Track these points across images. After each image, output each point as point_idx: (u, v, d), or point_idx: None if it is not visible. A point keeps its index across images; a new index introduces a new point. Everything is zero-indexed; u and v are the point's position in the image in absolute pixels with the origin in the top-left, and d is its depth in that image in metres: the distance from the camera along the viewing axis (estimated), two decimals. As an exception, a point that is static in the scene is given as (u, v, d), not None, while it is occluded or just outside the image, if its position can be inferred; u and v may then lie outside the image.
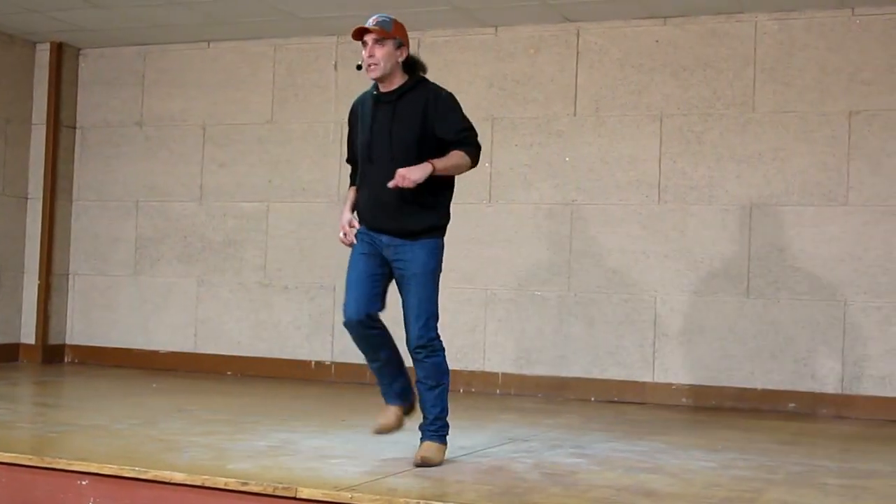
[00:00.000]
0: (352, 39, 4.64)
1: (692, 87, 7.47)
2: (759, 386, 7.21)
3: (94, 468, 4.24)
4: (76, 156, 9.18)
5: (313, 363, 8.29)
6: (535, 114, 7.84)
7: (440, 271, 4.68)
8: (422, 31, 8.10)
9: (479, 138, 4.66)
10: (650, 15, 7.51)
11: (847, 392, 7.03)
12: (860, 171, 7.08)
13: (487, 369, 7.83)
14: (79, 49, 9.18)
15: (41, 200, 8.97)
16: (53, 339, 9.00)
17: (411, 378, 4.77)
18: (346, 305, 4.61)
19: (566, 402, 7.38)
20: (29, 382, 7.81)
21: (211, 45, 8.79)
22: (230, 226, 8.64)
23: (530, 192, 7.81)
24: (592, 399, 7.52)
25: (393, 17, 4.66)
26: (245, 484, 3.99)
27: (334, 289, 8.23)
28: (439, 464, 4.56)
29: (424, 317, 4.55)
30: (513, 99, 7.90)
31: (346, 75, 8.35)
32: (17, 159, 8.98)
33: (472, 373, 7.84)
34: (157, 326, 8.82)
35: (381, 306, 4.65)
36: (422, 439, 4.64)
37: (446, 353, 4.71)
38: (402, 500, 3.80)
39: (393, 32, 4.57)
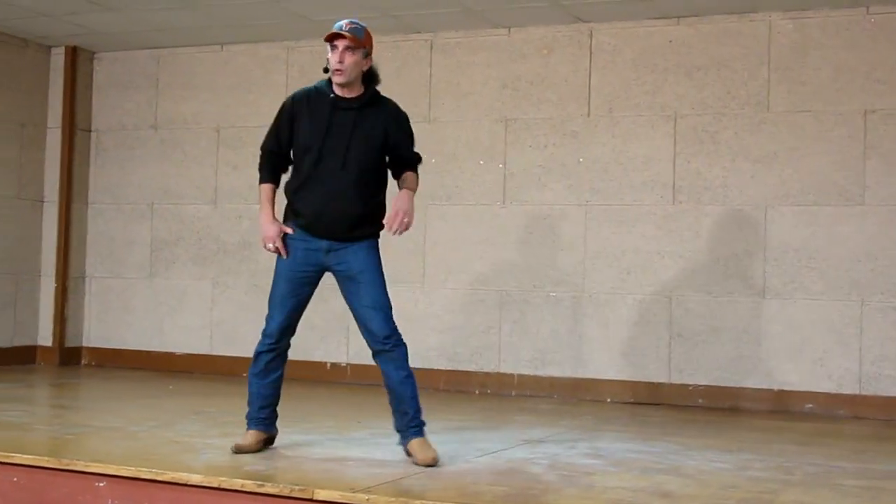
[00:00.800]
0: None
1: (706, 87, 7.45)
2: (775, 387, 7.18)
3: (111, 470, 4.26)
4: (91, 159, 9.21)
5: (328, 364, 8.30)
6: (549, 115, 7.83)
7: (382, 268, 4.82)
8: (434, 32, 8.11)
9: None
10: (663, 15, 7.50)
11: (864, 392, 7.00)
12: (876, 170, 7.05)
13: (502, 370, 7.82)
14: (93, 53, 9.21)
15: (57, 204, 9.01)
16: (70, 342, 9.04)
17: (278, 414, 4.95)
18: (270, 320, 4.83)
19: (581, 404, 7.37)
20: (46, 385, 7.84)
21: (224, 48, 8.82)
22: (244, 228, 8.66)
23: (544, 192, 7.80)
24: (608, 400, 7.51)
25: (364, 24, 4.74)
26: (261, 485, 4.00)
27: (349, 290, 8.22)
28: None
29: (384, 310, 4.67)
30: (526, 100, 7.90)
31: (359, 77, 8.35)
32: (33, 163, 9.02)
33: (486, 374, 7.84)
34: (172, 328, 8.85)
35: (293, 334, 4.91)
36: (409, 438, 4.66)
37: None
38: (417, 501, 3.81)
39: (363, 41, 4.65)
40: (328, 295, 8.31)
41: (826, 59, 7.20)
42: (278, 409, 4.96)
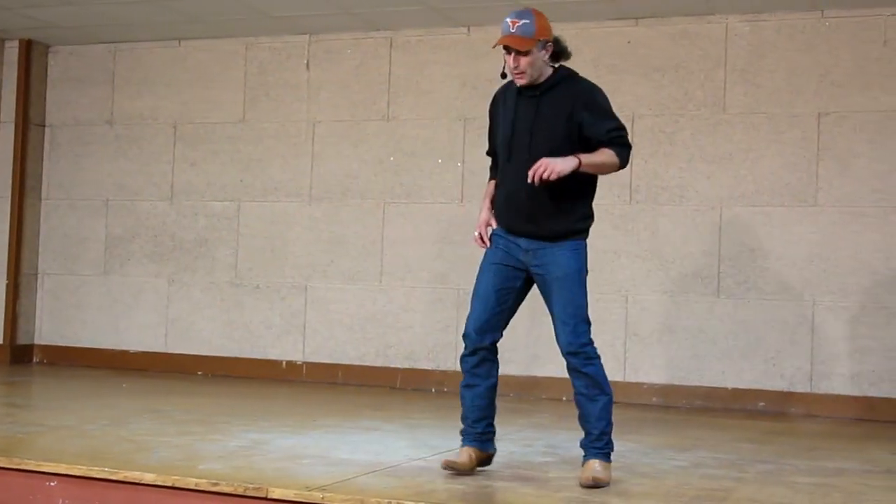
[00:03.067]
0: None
1: (664, 88, 7.50)
2: (729, 385, 7.25)
3: (63, 469, 4.22)
4: (45, 154, 9.10)
5: (284, 363, 8.27)
6: (508, 114, 7.82)
7: (586, 273, 4.39)
8: (394, 30, 8.10)
9: (629, 138, 4.43)
10: (622, 16, 7.54)
11: (815, 391, 7.08)
12: (829, 172, 7.13)
13: (459, 369, 7.80)
14: (48, 46, 9.11)
15: (9, 199, 8.88)
16: (22, 339, 8.93)
17: (496, 430, 4.52)
18: (469, 318, 4.42)
19: (538, 402, 7.39)
20: (-3, 382, 7.75)
21: (182, 43, 8.75)
22: (201, 225, 8.60)
23: (502, 191, 7.80)
24: (564, 399, 7.53)
25: (533, 9, 4.29)
26: (216, 484, 3.97)
27: (305, 289, 8.22)
28: (608, 484, 4.23)
29: (572, 322, 4.28)
30: (486, 99, 7.75)
31: (317, 74, 8.33)
32: (-14, 157, 8.91)
33: (444, 372, 7.84)
34: (127, 326, 8.77)
35: (502, 333, 4.46)
36: (586, 457, 4.32)
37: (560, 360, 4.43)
38: (373, 500, 3.80)
39: (536, 36, 4.22)
40: (286, 293, 8.33)
41: (781, 62, 7.27)
42: (496, 423, 4.51)
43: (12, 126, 8.92)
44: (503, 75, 4.44)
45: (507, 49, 4.28)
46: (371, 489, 4.00)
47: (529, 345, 7.65)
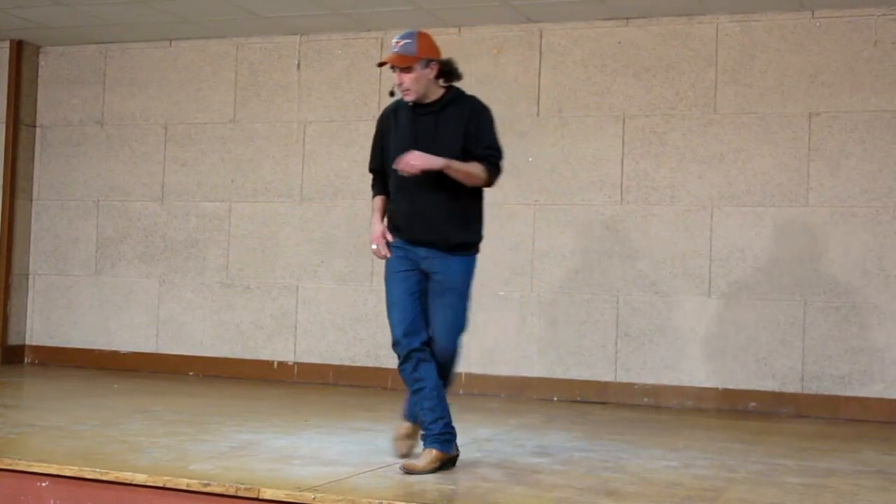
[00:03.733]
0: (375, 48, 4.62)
1: (654, 89, 7.51)
2: (719, 385, 7.26)
3: (54, 469, 4.21)
4: (36, 155, 9.09)
5: (275, 363, 8.26)
6: (498, 114, 7.75)
7: (471, 283, 4.68)
8: (384, 31, 8.10)
9: (502, 163, 4.68)
10: (613, 16, 7.55)
11: (807, 391, 7.10)
12: (820, 172, 7.15)
13: (451, 369, 7.82)
14: (39, 47, 9.09)
15: (0, 200, 8.87)
16: (13, 340, 8.91)
17: (455, 431, 4.61)
18: (393, 327, 4.56)
19: (529, 402, 7.40)
20: (-13, 383, 7.73)
21: (173, 43, 8.74)
22: (192, 225, 8.59)
23: (493, 192, 7.77)
24: (555, 399, 7.55)
25: (417, 31, 4.56)
26: (207, 485, 3.97)
27: (297, 289, 8.21)
28: (423, 471, 4.41)
29: (457, 331, 4.61)
30: (476, 99, 7.89)
31: (308, 75, 8.33)
32: (-24, 158, 8.88)
33: (435, 373, 7.83)
34: (118, 327, 8.76)
35: (427, 333, 4.58)
36: (429, 446, 4.51)
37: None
38: (364, 500, 3.81)
39: (417, 55, 4.47)
40: (277, 293, 8.32)
41: (772, 62, 7.29)
42: (454, 424, 4.62)
43: (3, 126, 8.90)
44: (391, 93, 4.65)
45: (393, 67, 4.51)
46: (362, 489, 4.00)
47: (520, 346, 7.66)
